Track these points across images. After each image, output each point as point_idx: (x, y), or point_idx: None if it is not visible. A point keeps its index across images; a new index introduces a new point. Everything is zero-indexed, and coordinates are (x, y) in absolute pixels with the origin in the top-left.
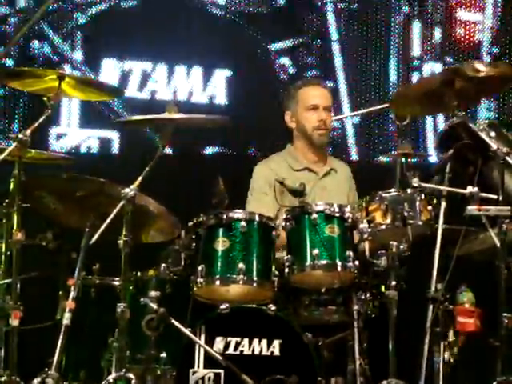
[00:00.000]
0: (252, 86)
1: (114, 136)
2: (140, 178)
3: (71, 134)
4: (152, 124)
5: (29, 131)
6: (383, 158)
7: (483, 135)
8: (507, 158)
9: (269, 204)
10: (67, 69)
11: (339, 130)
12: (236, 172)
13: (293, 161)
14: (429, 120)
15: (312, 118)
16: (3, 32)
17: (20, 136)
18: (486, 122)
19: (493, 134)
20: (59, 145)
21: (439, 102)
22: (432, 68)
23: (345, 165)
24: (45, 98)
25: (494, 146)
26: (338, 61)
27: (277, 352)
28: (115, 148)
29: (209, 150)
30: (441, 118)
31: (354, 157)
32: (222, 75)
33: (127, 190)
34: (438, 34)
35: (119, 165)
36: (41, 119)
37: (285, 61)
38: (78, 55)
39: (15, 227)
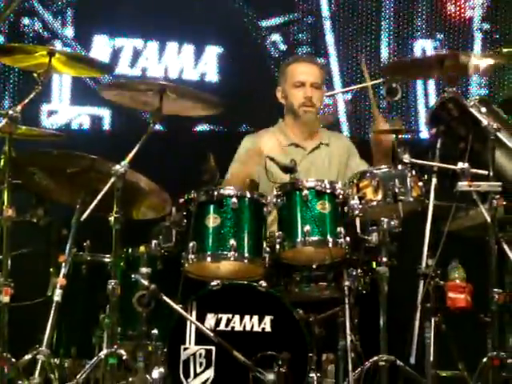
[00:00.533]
0: (243, 63)
1: (105, 113)
2: (131, 155)
3: (62, 111)
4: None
5: (19, 107)
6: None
7: (474, 111)
8: (498, 134)
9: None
10: (58, 45)
11: (330, 108)
12: (227, 149)
13: (282, 136)
14: (420, 96)
15: (298, 94)
16: None
17: (10, 112)
18: (477, 97)
19: (484, 109)
20: (50, 122)
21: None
22: (423, 45)
23: (342, 136)
24: (35, 74)
25: (484, 121)
26: (330, 37)
27: (268, 328)
28: (106, 125)
29: (200, 127)
30: (432, 94)
31: (346, 133)
32: (213, 52)
33: (118, 166)
34: (428, 10)
35: (110, 141)
36: (31, 95)
37: (276, 37)
38: (68, 32)
39: (5, 204)
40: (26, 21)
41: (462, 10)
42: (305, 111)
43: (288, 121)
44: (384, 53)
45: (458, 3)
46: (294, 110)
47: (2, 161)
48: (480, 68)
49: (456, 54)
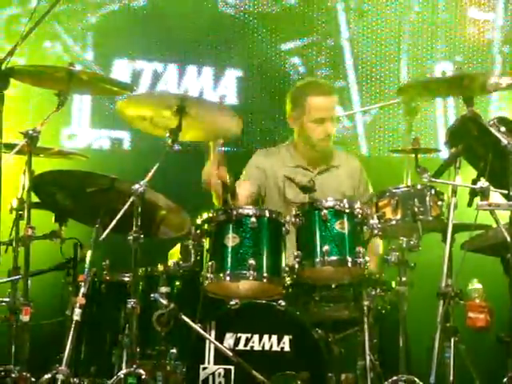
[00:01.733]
0: (263, 86)
1: (124, 136)
2: (150, 174)
3: (82, 135)
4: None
5: (39, 127)
6: (393, 154)
7: (493, 130)
8: None
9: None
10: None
11: (349, 130)
12: None
13: (288, 156)
14: (439, 115)
15: (318, 130)
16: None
17: (30, 131)
18: (497, 117)
19: (503, 129)
20: (71, 145)
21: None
22: (443, 67)
23: (353, 159)
24: (55, 95)
25: (504, 140)
26: (349, 60)
27: (287, 348)
28: (126, 146)
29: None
30: (451, 113)
31: (365, 153)
32: (232, 75)
33: (137, 185)
34: (449, 33)
35: (130, 162)
36: (50, 114)
37: (295, 60)
38: (89, 55)
39: (26, 223)
40: (47, 43)
41: (483, 33)
42: (323, 145)
43: (299, 145)
44: (403, 75)
45: (478, 25)
46: (311, 142)
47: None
48: (499, 86)
49: (472, 73)
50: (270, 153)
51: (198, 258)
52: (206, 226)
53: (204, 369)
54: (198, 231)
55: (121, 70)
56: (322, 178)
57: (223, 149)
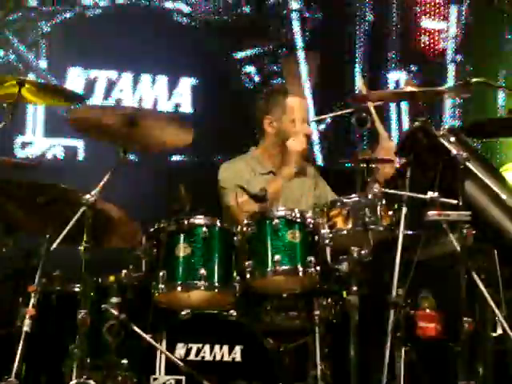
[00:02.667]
0: (218, 94)
1: (79, 144)
2: (101, 184)
3: (36, 143)
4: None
5: None
6: (345, 164)
7: (443, 140)
8: (467, 164)
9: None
10: (32, 77)
11: None
12: (201, 179)
13: (257, 165)
14: (393, 124)
15: (300, 129)
16: None
17: None
18: (446, 127)
19: (453, 139)
20: (25, 153)
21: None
22: (397, 76)
23: (309, 166)
24: (4, 105)
25: (453, 151)
26: (303, 69)
27: (238, 358)
28: (80, 156)
29: (175, 158)
30: (405, 122)
31: (320, 163)
32: (187, 83)
33: (88, 195)
34: (402, 42)
35: (83, 172)
36: (0, 125)
37: (250, 69)
38: (43, 64)
39: None
40: (0, 53)
41: (436, 42)
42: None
43: (268, 149)
44: (357, 84)
45: (432, 35)
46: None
47: None
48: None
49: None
50: (235, 163)
51: (149, 268)
52: (157, 236)
53: (155, 379)
54: (150, 241)
55: (75, 78)
56: (290, 185)
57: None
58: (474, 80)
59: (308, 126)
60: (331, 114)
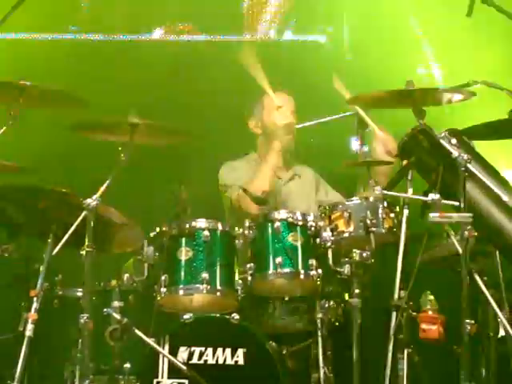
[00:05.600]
0: None
1: None
2: (102, 189)
3: None
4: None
5: None
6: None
7: (444, 142)
8: (468, 166)
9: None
10: None
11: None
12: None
13: (256, 166)
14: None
15: (279, 117)
16: None
17: None
18: (448, 129)
19: (454, 141)
20: None
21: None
22: None
23: (308, 168)
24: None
25: (455, 153)
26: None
27: (241, 361)
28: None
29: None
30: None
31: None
32: None
33: (89, 200)
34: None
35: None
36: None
37: None
38: None
39: None
40: None
41: None
42: (287, 138)
43: (264, 151)
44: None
45: None
46: (274, 134)
47: None
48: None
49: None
50: (235, 164)
51: (152, 272)
52: (159, 240)
53: (158, 383)
54: (152, 245)
55: None
56: (289, 187)
57: None
58: (474, 80)
59: (291, 114)
60: (317, 121)
